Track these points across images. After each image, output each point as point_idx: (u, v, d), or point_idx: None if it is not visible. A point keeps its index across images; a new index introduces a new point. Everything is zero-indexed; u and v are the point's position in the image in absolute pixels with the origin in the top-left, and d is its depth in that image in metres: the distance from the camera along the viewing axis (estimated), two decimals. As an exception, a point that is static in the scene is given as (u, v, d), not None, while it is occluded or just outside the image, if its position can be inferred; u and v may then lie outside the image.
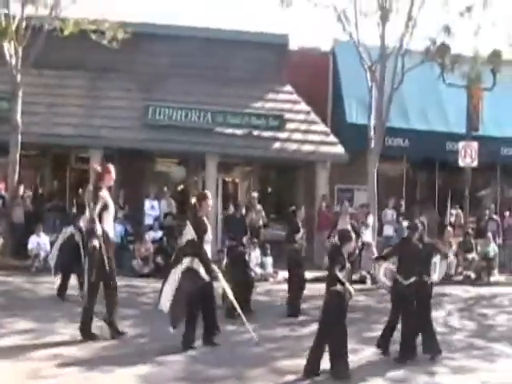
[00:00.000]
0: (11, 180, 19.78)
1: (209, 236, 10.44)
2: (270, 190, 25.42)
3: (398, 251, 10.73)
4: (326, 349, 9.16)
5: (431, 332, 10.55)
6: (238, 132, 22.00)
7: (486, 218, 21.85)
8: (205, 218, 10.54)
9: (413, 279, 10.21)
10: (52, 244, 18.00)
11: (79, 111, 21.76)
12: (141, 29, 21.41)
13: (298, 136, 22.50)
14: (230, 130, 22.02)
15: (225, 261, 13.72)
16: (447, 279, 19.16)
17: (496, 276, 20.25)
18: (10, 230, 19.43)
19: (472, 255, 20.25)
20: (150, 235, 19.68)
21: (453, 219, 22.14)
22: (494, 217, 21.98)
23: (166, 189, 22.27)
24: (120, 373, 8.89)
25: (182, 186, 24.70)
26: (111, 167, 10.66)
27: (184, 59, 23.23)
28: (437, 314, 14.16)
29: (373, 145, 20.79)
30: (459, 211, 22.24)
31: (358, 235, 16.78)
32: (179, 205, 21.77)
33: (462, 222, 21.70)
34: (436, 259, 10.86)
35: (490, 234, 20.70)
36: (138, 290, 15.58)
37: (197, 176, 23.96)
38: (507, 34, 20.82)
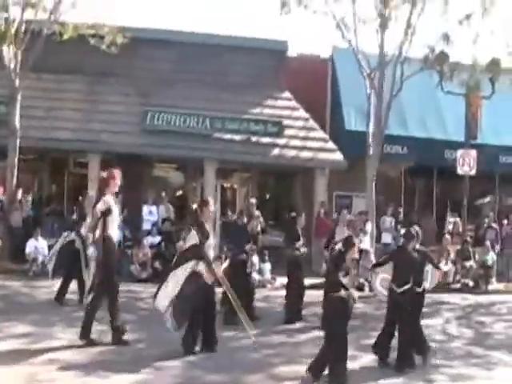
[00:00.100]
0: (9, 184, 19.73)
1: (211, 241, 10.47)
2: (268, 196, 25.40)
3: (393, 259, 10.72)
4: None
5: (420, 335, 10.53)
6: (237, 138, 22.01)
7: (485, 226, 21.82)
8: (206, 224, 10.54)
9: (406, 287, 10.18)
10: (50, 248, 18.03)
11: (77, 116, 21.74)
12: (140, 34, 21.43)
13: (296, 142, 22.50)
14: (228, 136, 22.02)
15: (223, 266, 13.68)
16: (444, 287, 19.31)
17: (494, 284, 20.22)
18: (8, 234, 19.37)
19: (470, 263, 20.22)
20: (148, 240, 19.63)
21: (451, 227, 22.12)
22: (493, 225, 21.96)
23: (164, 194, 22.25)
24: (117, 378, 8.87)
25: (180, 192, 24.71)
26: (117, 173, 10.64)
27: (183, 65, 23.26)
28: (435, 322, 14.25)
29: (371, 152, 20.79)
30: (457, 219, 22.23)
31: None
32: (178, 210, 21.81)
33: (460, 230, 21.68)
34: (428, 267, 10.87)
35: (488, 242, 20.69)
36: (135, 295, 15.54)
37: (195, 182, 23.95)
38: (506, 42, 20.86)
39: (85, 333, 10.31)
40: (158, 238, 19.96)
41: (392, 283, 10.36)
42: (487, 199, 25.92)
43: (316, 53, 26.41)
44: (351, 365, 9.46)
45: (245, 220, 14.02)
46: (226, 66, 23.51)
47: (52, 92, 22.19)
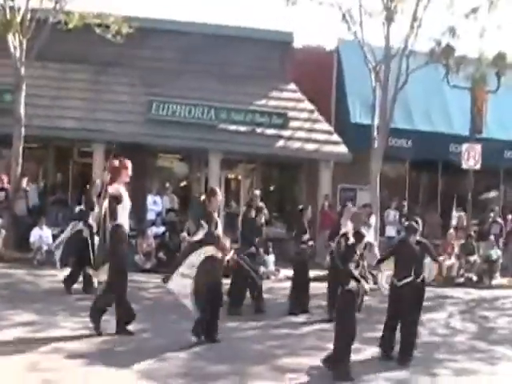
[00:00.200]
0: (14, 173, 19.73)
1: (219, 230, 10.52)
2: (272, 187, 25.38)
3: (395, 252, 10.72)
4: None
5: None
6: (242, 129, 21.98)
7: (490, 220, 21.79)
8: (215, 214, 10.62)
9: (406, 280, 10.17)
10: (54, 237, 18.06)
11: (83, 105, 21.73)
12: (146, 24, 21.38)
13: (301, 134, 22.48)
14: (233, 127, 22.00)
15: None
16: (448, 281, 19.32)
17: (498, 279, 20.21)
18: (13, 223, 19.39)
19: (474, 258, 20.22)
20: (153, 230, 19.65)
21: (455, 221, 22.08)
22: (498, 220, 21.93)
23: (168, 184, 22.25)
24: (121, 368, 8.85)
25: (184, 182, 24.70)
26: (128, 163, 10.64)
27: (188, 55, 23.24)
28: (438, 316, 14.25)
29: (376, 145, 20.75)
30: (462, 214, 22.19)
31: None
32: (182, 201, 21.83)
33: (465, 224, 21.64)
34: (427, 260, 10.89)
35: (492, 237, 20.67)
36: (139, 285, 15.55)
37: (200, 172, 23.93)
38: (512, 36, 20.81)
39: (95, 316, 10.33)
40: (162, 229, 19.98)
41: (393, 277, 10.37)
42: (492, 194, 25.89)
43: (322, 45, 26.41)
44: (354, 357, 9.44)
45: (253, 213, 14.01)
46: (231, 57, 23.48)
47: (57, 81, 22.19)
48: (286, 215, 23.16)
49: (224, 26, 23.77)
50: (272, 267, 18.71)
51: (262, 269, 18.00)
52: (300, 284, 13.67)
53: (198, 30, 23.14)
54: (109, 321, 10.63)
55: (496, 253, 20.38)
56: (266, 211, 17.43)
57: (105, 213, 10.36)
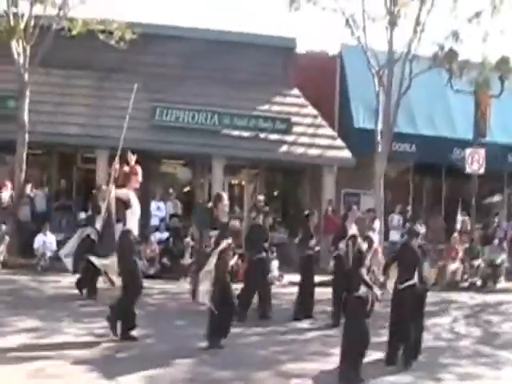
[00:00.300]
0: (18, 179, 19.76)
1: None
2: (276, 193, 25.37)
3: (398, 257, 10.71)
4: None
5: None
6: (245, 134, 21.99)
7: (495, 224, 21.75)
8: (224, 218, 10.75)
9: (408, 283, 10.14)
10: (58, 243, 18.11)
11: (86, 111, 21.76)
12: (149, 30, 21.40)
13: (304, 139, 22.49)
14: (236, 133, 22.02)
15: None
16: (452, 286, 19.30)
17: (502, 283, 20.16)
18: (17, 229, 19.41)
19: (478, 262, 20.18)
20: (156, 236, 19.67)
21: (459, 226, 22.05)
22: (503, 223, 21.89)
23: (171, 190, 22.26)
24: (125, 374, 8.83)
25: (188, 188, 24.70)
26: (138, 168, 10.63)
27: (192, 61, 23.26)
28: (443, 321, 14.23)
29: (380, 149, 20.73)
30: (466, 218, 22.15)
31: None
32: (185, 206, 21.83)
33: (469, 228, 21.61)
34: (424, 264, 10.90)
35: (496, 241, 20.63)
36: (143, 290, 15.47)
37: (203, 178, 23.92)
38: (515, 41, 20.78)
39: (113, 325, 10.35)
40: (165, 234, 20.00)
41: (396, 281, 10.36)
42: (496, 198, 25.85)
43: (325, 50, 26.37)
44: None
45: (261, 217, 14.01)
46: (234, 63, 23.50)
47: (61, 87, 22.21)
48: (289, 220, 23.15)
49: (227, 31, 23.80)
50: (276, 272, 18.68)
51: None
52: (306, 289, 13.66)
53: (201, 36, 23.17)
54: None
55: (500, 257, 20.34)
56: (270, 217, 17.51)
57: (108, 209, 10.30)
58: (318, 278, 15.02)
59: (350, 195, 23.91)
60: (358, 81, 23.51)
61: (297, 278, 14.19)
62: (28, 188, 20.01)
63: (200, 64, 23.20)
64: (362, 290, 9.13)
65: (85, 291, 14.10)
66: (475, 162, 21.32)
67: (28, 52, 19.56)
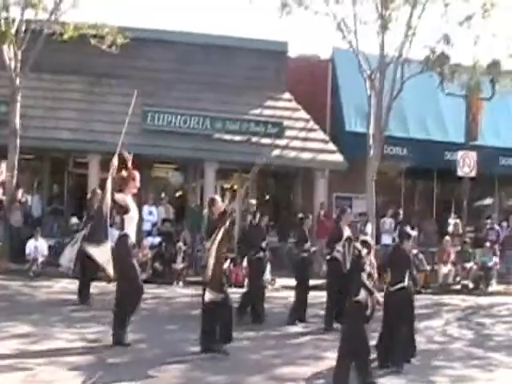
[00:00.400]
0: (9, 184, 19.70)
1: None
2: (267, 197, 25.35)
3: (391, 259, 10.73)
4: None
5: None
6: (237, 139, 21.98)
7: (488, 227, 21.81)
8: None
9: (400, 285, 10.15)
10: (50, 248, 18.10)
11: (78, 116, 21.70)
12: (140, 34, 21.41)
13: (296, 143, 22.51)
14: (228, 137, 22.00)
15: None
16: (444, 289, 19.34)
17: (494, 285, 20.20)
18: (9, 234, 19.34)
19: (470, 264, 20.23)
20: (148, 241, 19.62)
21: (451, 228, 22.10)
22: (495, 226, 21.96)
23: (163, 195, 22.23)
24: (118, 379, 8.82)
25: (180, 192, 24.67)
26: (136, 174, 10.62)
27: (183, 65, 23.26)
28: (435, 323, 14.26)
29: (371, 153, 20.78)
30: (457, 220, 22.21)
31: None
32: (177, 211, 21.80)
33: (461, 231, 21.66)
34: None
35: (488, 244, 20.68)
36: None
37: (195, 182, 23.89)
38: (506, 44, 20.83)
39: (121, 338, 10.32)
40: (157, 239, 19.96)
41: (387, 283, 10.38)
42: (487, 201, 25.94)
43: (316, 54, 26.39)
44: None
45: (258, 218, 14.06)
46: (226, 67, 23.50)
47: (52, 92, 22.16)
48: (280, 224, 23.12)
49: (218, 36, 23.77)
50: (268, 276, 18.64)
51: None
52: (303, 292, 13.65)
53: (193, 40, 23.19)
54: (105, 332, 10.62)
55: (492, 260, 20.38)
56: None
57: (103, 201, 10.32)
58: (310, 282, 15.03)
59: (341, 199, 23.90)
60: (349, 84, 23.55)
61: (288, 281, 14.21)
62: (19, 193, 19.95)
63: (191, 68, 23.20)
64: (362, 294, 9.12)
65: (70, 297, 14.03)
66: (466, 165, 21.40)
67: (19, 57, 19.47)
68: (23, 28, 19.49)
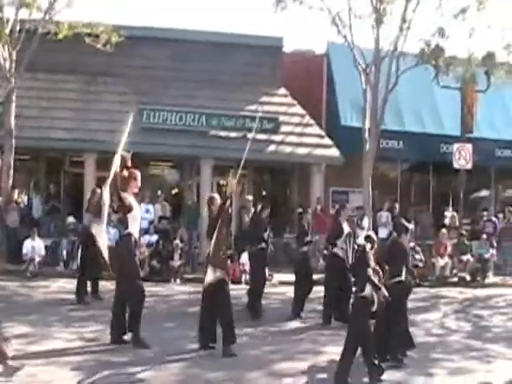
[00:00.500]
0: (5, 184, 19.67)
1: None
2: (264, 192, 25.35)
3: (389, 253, 10.72)
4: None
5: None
6: (233, 135, 21.96)
7: (485, 219, 21.83)
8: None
9: (397, 279, 10.12)
10: (47, 248, 18.11)
11: (73, 115, 21.64)
12: (135, 32, 21.34)
13: (292, 139, 22.50)
14: (224, 133, 21.98)
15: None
16: (441, 281, 19.37)
17: (491, 277, 20.23)
18: (5, 235, 19.33)
19: (467, 257, 20.27)
20: (145, 239, 19.59)
21: (447, 221, 22.13)
22: (492, 218, 21.98)
23: (160, 192, 22.21)
24: (117, 378, 8.85)
25: (176, 190, 24.66)
26: (138, 174, 10.63)
27: (178, 62, 23.19)
28: (433, 316, 14.29)
29: (367, 147, 20.79)
30: (454, 213, 22.23)
31: None
32: (174, 208, 21.79)
33: (457, 223, 21.68)
34: None
35: (484, 236, 20.70)
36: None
37: (191, 179, 23.89)
38: (501, 36, 20.85)
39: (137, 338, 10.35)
40: (154, 237, 19.94)
41: (385, 277, 10.37)
42: (483, 193, 25.97)
43: (311, 48, 26.38)
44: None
45: (259, 210, 14.13)
46: (221, 64, 23.46)
47: (48, 91, 22.12)
48: (276, 220, 23.08)
49: (213, 32, 23.71)
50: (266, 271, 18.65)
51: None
52: (303, 286, 13.66)
53: (188, 37, 23.15)
54: (103, 331, 10.62)
55: (489, 252, 20.41)
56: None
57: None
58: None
59: (338, 193, 23.95)
60: (344, 79, 23.53)
61: (284, 277, 14.23)
62: (15, 193, 19.93)
63: (186, 65, 23.15)
64: (367, 290, 9.13)
65: (68, 297, 14.06)
66: (462, 158, 21.41)
67: (14, 57, 19.44)
68: (17, 28, 19.47)
